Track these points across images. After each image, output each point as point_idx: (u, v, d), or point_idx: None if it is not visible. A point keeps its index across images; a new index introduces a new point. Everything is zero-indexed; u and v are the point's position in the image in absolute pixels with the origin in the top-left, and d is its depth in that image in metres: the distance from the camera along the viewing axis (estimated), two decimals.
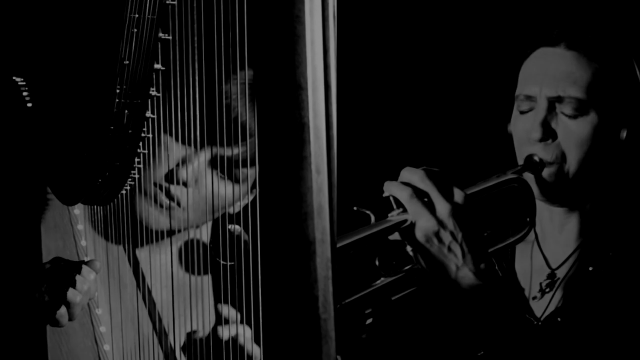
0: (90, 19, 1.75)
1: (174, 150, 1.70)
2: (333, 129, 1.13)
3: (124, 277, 1.75)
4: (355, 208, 1.75)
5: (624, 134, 1.88)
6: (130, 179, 1.63)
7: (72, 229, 1.76)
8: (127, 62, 1.56)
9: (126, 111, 1.57)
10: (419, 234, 1.75)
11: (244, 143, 1.66)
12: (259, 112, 1.14)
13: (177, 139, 1.69)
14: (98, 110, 1.60)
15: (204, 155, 1.72)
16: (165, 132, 1.66)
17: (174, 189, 1.71)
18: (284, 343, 1.10)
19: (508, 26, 2.43)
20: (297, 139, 1.12)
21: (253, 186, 1.75)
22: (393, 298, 1.81)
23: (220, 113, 1.59)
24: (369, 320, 1.85)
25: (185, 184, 1.71)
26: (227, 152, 1.69)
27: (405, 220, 1.75)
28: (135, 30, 1.55)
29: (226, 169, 1.71)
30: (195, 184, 1.71)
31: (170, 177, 1.71)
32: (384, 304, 1.81)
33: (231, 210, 1.76)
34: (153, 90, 1.58)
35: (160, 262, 1.75)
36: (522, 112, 1.91)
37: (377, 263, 1.80)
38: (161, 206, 1.71)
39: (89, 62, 1.70)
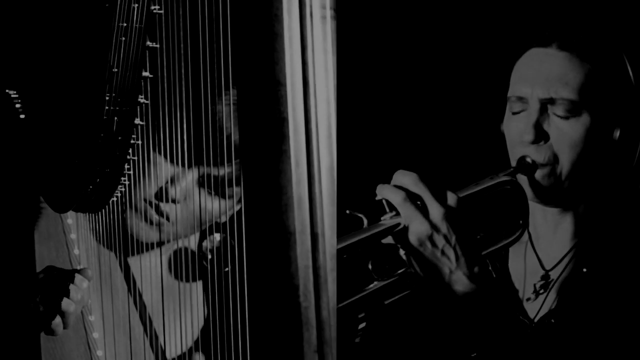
0: (80, 28, 1.80)
1: (164, 168, 1.76)
2: (312, 124, 1.19)
3: (116, 284, 1.80)
4: (347, 211, 1.77)
5: (617, 134, 1.90)
6: (120, 186, 1.68)
7: (65, 237, 1.82)
8: (116, 70, 1.62)
9: (115, 118, 1.63)
10: (412, 238, 1.77)
11: (231, 163, 1.72)
12: (240, 108, 1.20)
13: (166, 158, 1.75)
14: (88, 117, 1.66)
15: (192, 174, 1.78)
16: (154, 150, 1.71)
17: (164, 206, 1.78)
18: (267, 330, 1.15)
19: (500, 26, 2.45)
20: (277, 133, 1.19)
21: (239, 201, 1.81)
22: (386, 302, 1.83)
23: (207, 133, 1.65)
24: (362, 325, 1.88)
25: (174, 201, 1.77)
26: (215, 171, 1.75)
27: (398, 224, 1.77)
28: (124, 38, 1.62)
29: (214, 187, 1.77)
30: (184, 201, 1.77)
31: (160, 195, 1.77)
32: (377, 308, 1.83)
33: (218, 221, 1.83)
34: (142, 98, 1.64)
35: (150, 269, 1.80)
36: (514, 113, 1.93)
37: (370, 267, 1.82)
38: (151, 222, 1.78)
39: (79, 71, 1.75)
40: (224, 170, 1.75)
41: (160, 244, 1.80)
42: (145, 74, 1.63)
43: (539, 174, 1.91)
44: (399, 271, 1.83)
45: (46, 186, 1.71)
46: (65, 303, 1.68)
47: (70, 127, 1.72)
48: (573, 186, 1.91)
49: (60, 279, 1.70)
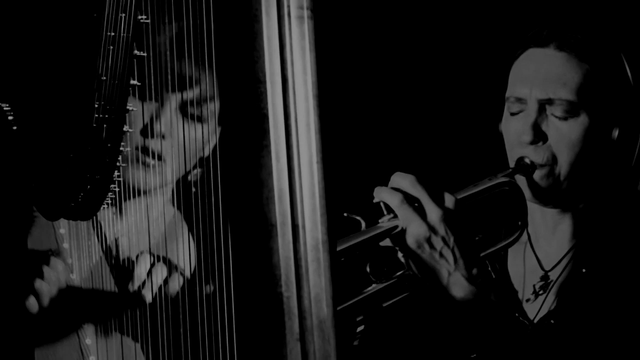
0: (68, 38, 1.87)
1: (143, 107, 1.82)
2: (291, 119, 1.27)
3: (109, 292, 1.86)
4: (345, 214, 1.81)
5: (615, 134, 1.94)
6: (110, 193, 1.75)
7: (57, 247, 1.88)
8: (104, 78, 1.69)
9: (104, 125, 1.70)
10: (410, 240, 1.80)
11: (196, 87, 1.80)
12: (222, 105, 1.28)
13: (143, 100, 1.81)
14: (78, 126, 1.72)
15: (172, 103, 1.85)
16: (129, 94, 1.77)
17: (153, 144, 1.84)
18: (251, 320, 1.23)
19: (498, 26, 2.48)
20: (258, 128, 1.27)
21: (218, 123, 1.86)
22: (385, 305, 1.86)
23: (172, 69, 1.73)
24: (361, 328, 1.92)
25: (161, 136, 1.84)
26: (191, 93, 1.82)
27: (396, 226, 1.81)
28: (111, 47, 1.68)
29: (194, 111, 1.84)
30: (170, 135, 1.85)
31: (146, 132, 1.84)
32: (376, 311, 1.87)
33: (202, 154, 1.89)
34: (130, 105, 1.72)
35: (154, 212, 1.87)
36: (512, 114, 1.97)
37: (368, 270, 1.86)
38: (147, 166, 1.85)
39: (68, 80, 1.82)
40: (199, 89, 1.81)
41: (158, 187, 1.87)
42: (133, 82, 1.71)
43: (537, 175, 1.94)
44: (397, 273, 1.87)
45: (38, 195, 1.77)
46: (38, 283, 1.76)
47: (61, 135, 1.78)
48: (572, 187, 1.95)
49: (35, 261, 1.77)
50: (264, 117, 1.27)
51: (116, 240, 1.90)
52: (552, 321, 1.93)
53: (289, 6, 1.30)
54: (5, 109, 1.81)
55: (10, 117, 1.80)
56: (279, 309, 1.23)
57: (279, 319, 1.23)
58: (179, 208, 1.93)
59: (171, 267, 1.80)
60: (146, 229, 1.85)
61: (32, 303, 1.76)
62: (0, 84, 1.93)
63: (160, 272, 1.79)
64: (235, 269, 1.26)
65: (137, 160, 1.86)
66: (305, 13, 1.31)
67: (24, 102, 1.81)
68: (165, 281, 1.79)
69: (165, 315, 1.74)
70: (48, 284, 1.77)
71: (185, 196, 1.86)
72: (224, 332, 1.44)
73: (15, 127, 1.79)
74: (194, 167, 1.90)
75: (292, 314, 1.22)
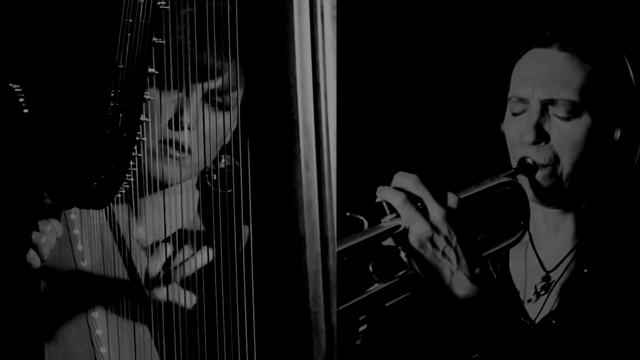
0: (85, 23, 1.77)
1: (168, 99, 1.74)
2: (322, 126, 1.16)
3: (121, 280, 1.77)
4: (348, 214, 1.75)
5: (617, 135, 1.89)
6: (125, 183, 1.65)
7: (68, 233, 1.80)
8: (122, 66, 1.59)
9: (121, 115, 1.60)
10: (413, 240, 1.75)
11: (220, 76, 1.73)
12: (250, 110, 1.17)
13: (168, 89, 1.72)
14: (93, 113, 1.63)
15: (196, 97, 1.76)
16: (152, 85, 1.69)
17: (180, 136, 1.76)
18: (276, 336, 1.12)
19: (500, 27, 2.44)
20: (288, 135, 1.16)
21: (239, 109, 1.80)
22: (387, 304, 1.81)
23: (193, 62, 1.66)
24: (363, 327, 1.86)
25: (188, 128, 1.76)
26: (216, 85, 1.75)
27: (399, 226, 1.75)
28: (129, 34, 1.59)
29: (217, 99, 1.76)
30: (196, 125, 1.76)
31: (172, 125, 1.76)
32: (378, 311, 1.82)
33: (224, 142, 1.82)
34: (147, 94, 1.61)
35: (182, 201, 1.80)
36: (515, 114, 1.92)
37: (370, 269, 1.81)
38: (175, 158, 1.77)
39: (84, 67, 1.73)
40: (224, 78, 1.73)
41: (184, 179, 1.80)
42: (151, 70, 1.60)
43: (539, 175, 1.89)
44: (400, 273, 1.82)
45: (50, 182, 1.68)
46: (35, 235, 1.68)
47: (75, 123, 1.69)
48: (574, 187, 1.90)
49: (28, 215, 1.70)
50: (294, 124, 1.15)
51: (130, 231, 1.80)
52: (553, 322, 1.88)
53: (322, 6, 1.18)
54: (16, 90, 1.70)
55: (21, 99, 1.69)
56: (306, 325, 1.12)
57: (306, 335, 1.12)
58: (198, 213, 1.83)
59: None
60: (165, 223, 1.75)
61: (32, 256, 1.69)
62: (14, 66, 1.83)
63: (177, 258, 1.69)
64: (258, 282, 1.15)
65: (165, 154, 1.76)
66: None
67: (37, 86, 1.71)
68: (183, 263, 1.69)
69: (180, 322, 1.65)
70: (44, 234, 1.69)
71: (207, 202, 1.76)
72: (244, 349, 1.34)
73: (26, 111, 1.69)
74: (218, 155, 1.80)
75: (319, 330, 1.11)
